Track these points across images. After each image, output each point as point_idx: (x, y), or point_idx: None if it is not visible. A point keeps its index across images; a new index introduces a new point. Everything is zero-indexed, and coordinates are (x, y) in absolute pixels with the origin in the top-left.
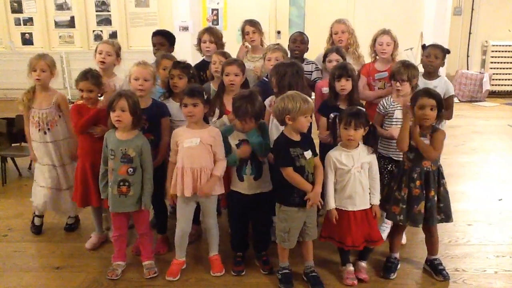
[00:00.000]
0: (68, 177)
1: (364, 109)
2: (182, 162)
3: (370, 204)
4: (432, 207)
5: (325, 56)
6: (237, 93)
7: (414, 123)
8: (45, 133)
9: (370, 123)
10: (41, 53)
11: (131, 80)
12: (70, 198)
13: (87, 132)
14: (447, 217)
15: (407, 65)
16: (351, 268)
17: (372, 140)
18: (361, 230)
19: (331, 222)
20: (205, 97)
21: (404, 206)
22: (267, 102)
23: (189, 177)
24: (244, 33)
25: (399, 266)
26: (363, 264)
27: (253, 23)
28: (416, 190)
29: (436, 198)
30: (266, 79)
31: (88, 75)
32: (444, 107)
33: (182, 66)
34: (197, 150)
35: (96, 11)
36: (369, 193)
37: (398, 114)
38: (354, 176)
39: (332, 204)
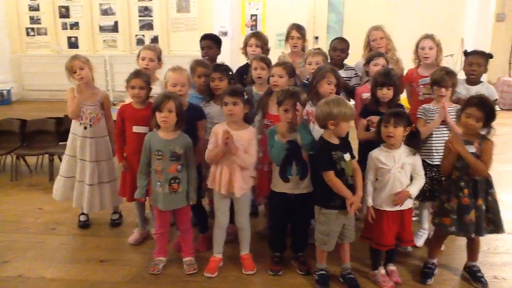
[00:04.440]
0: (101, 174)
1: (405, 110)
2: (222, 161)
3: (404, 190)
4: (480, 216)
5: (370, 59)
6: None
7: (458, 138)
8: (85, 128)
9: (413, 125)
10: (73, 55)
11: (169, 86)
12: (96, 194)
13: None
14: (497, 228)
15: (450, 73)
16: (383, 271)
17: (414, 141)
18: (393, 230)
19: (369, 223)
20: (246, 97)
21: (455, 217)
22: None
23: (226, 177)
24: (288, 36)
25: (436, 272)
26: (393, 267)
27: (300, 28)
28: (465, 199)
29: (484, 207)
30: (307, 82)
31: (140, 74)
32: (494, 118)
33: (222, 68)
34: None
35: (139, 16)
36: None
37: (436, 121)
38: (394, 176)
39: (370, 201)
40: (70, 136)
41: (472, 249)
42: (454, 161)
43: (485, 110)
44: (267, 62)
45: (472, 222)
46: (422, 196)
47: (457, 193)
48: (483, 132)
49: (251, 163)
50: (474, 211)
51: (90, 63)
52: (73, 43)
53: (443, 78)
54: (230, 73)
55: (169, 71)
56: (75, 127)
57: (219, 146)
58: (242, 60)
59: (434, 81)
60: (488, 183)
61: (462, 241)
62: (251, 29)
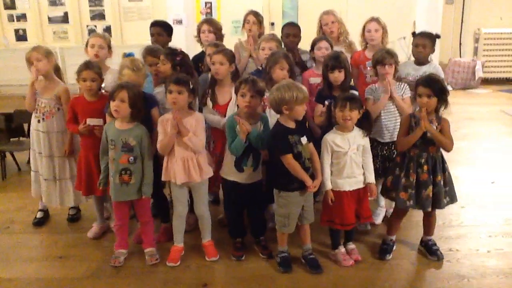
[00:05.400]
0: (54, 169)
1: (357, 94)
2: (174, 151)
3: (367, 182)
4: (439, 191)
5: (314, 44)
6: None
7: (425, 116)
8: (39, 121)
9: (364, 107)
10: (33, 46)
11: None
12: (52, 189)
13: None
14: (452, 199)
15: (390, 51)
16: (343, 250)
17: (366, 123)
18: (353, 208)
19: (329, 206)
20: (191, 87)
21: (413, 192)
22: None
23: (179, 166)
24: (245, 21)
25: (394, 248)
26: (352, 245)
27: (256, 14)
28: (424, 175)
29: (442, 183)
30: (261, 68)
31: (91, 65)
32: (447, 92)
33: (168, 52)
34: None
35: (90, 6)
36: (363, 173)
37: (383, 98)
38: (350, 158)
39: (329, 185)
40: (31, 128)
41: (429, 224)
42: (417, 139)
43: (431, 85)
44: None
45: (429, 198)
46: (375, 174)
47: (416, 169)
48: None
49: (201, 145)
50: (431, 187)
51: (51, 55)
52: (21, 36)
53: (384, 57)
54: (178, 58)
55: (127, 68)
56: (32, 119)
57: (169, 132)
58: (198, 49)
59: (376, 61)
60: (443, 160)
61: (418, 217)
62: (206, 17)
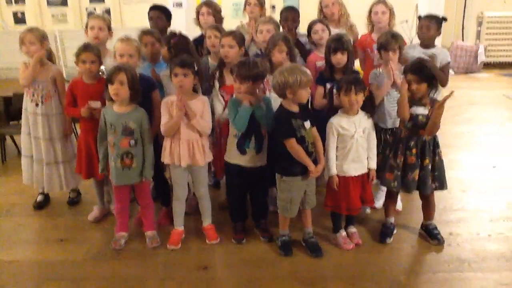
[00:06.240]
0: (55, 152)
1: (360, 76)
2: (178, 133)
3: (368, 168)
4: (425, 175)
5: (310, 28)
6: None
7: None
8: (36, 105)
9: (367, 88)
10: (30, 27)
11: (117, 56)
12: (55, 173)
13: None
14: (441, 185)
15: (395, 35)
16: (344, 233)
17: (369, 105)
18: (358, 193)
19: (335, 191)
20: (196, 69)
21: (399, 173)
22: None
23: (184, 148)
24: (246, 3)
25: (395, 231)
26: (353, 229)
27: None
28: (412, 158)
29: (430, 167)
30: (260, 52)
31: (90, 47)
32: (435, 77)
33: (166, 35)
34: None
35: None
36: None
37: (387, 83)
38: (356, 141)
39: (334, 170)
40: (23, 112)
41: (427, 209)
42: (406, 103)
43: (419, 72)
44: (221, 30)
45: (414, 181)
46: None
47: (405, 151)
48: (432, 95)
49: (208, 128)
50: (418, 171)
51: (45, 40)
52: (19, 19)
53: (388, 41)
54: (173, 40)
55: (118, 41)
56: (27, 104)
57: (175, 114)
58: (199, 32)
59: (380, 45)
60: (435, 143)
61: (419, 201)
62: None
